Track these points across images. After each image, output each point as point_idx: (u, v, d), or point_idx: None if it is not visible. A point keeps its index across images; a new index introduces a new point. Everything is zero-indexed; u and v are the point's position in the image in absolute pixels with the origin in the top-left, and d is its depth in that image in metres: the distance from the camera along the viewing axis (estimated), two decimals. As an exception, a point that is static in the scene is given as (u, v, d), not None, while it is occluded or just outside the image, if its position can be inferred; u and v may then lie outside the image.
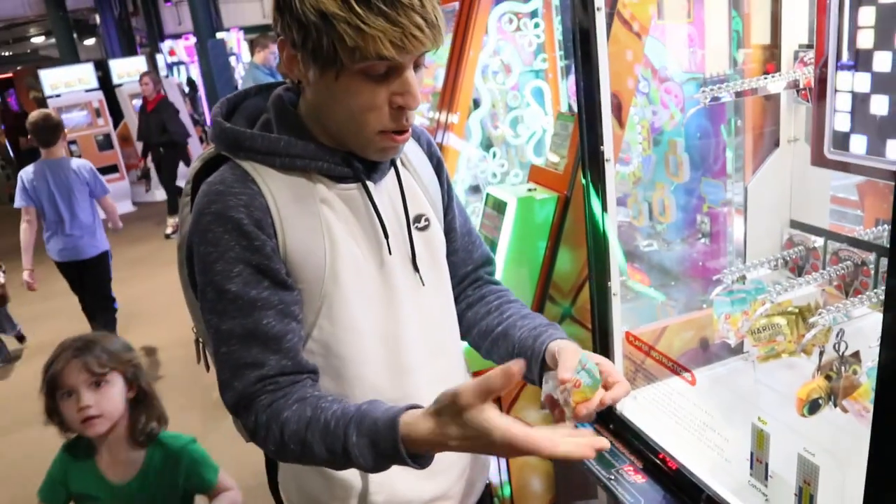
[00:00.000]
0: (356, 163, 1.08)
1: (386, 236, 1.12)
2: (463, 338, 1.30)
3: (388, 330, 1.14)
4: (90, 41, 16.59)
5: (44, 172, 4.12)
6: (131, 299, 5.87)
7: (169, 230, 7.88)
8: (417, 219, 1.18)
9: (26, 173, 4.14)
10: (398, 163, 1.17)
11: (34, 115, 4.17)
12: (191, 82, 12.32)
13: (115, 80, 10.11)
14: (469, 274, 1.31)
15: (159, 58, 13.32)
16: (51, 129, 4.15)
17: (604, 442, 0.90)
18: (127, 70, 10.26)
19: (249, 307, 1.03)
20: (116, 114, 9.53)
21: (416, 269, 1.16)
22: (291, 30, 0.97)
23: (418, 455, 0.94)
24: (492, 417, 0.87)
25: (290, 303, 1.06)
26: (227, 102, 1.14)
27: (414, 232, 1.16)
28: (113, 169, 8.97)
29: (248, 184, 1.04)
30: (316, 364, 1.09)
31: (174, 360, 4.35)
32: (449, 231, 1.27)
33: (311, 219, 1.06)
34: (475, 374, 1.37)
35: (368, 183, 1.10)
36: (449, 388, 0.90)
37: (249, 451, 1.26)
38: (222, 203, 1.02)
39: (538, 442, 0.87)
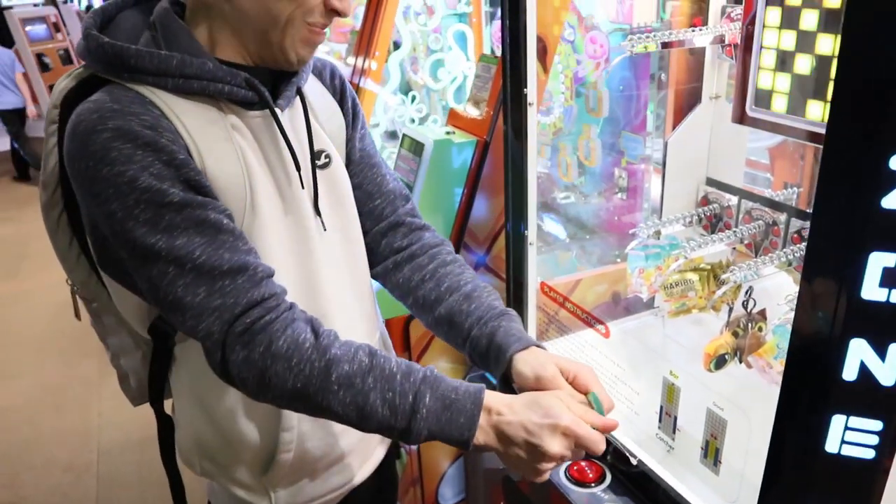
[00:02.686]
0: (260, 86, 0.96)
1: (298, 168, 1.01)
2: (399, 300, 1.19)
3: (304, 271, 1.05)
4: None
5: None
6: (22, 239, 5.52)
7: None
8: (318, 155, 1.08)
9: None
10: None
11: None
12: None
13: (3, 2, 9.30)
14: (382, 211, 1.19)
15: (57, -20, 12.34)
16: None
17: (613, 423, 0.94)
18: (18, -9, 9.49)
19: (201, 210, 0.88)
20: (6, 40, 8.77)
21: (317, 212, 1.07)
22: None
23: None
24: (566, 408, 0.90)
25: (231, 214, 0.93)
26: (102, 13, 0.97)
27: (316, 171, 1.07)
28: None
29: (147, 106, 0.89)
30: None
31: (68, 305, 4.13)
32: (350, 163, 1.17)
33: (226, 145, 0.94)
34: (387, 322, 1.32)
35: (276, 110, 0.99)
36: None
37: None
38: (122, 120, 0.86)
39: (595, 441, 0.89)
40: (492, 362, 1.04)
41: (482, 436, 0.89)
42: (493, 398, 0.90)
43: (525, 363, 0.99)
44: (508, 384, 1.03)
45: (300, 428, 1.09)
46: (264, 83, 0.98)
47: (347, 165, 1.17)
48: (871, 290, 0.75)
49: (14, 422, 3.32)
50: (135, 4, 1.01)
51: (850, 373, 0.78)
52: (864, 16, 0.68)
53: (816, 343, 0.80)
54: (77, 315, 1.15)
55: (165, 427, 1.16)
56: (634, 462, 1.05)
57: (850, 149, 0.72)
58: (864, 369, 0.77)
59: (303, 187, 1.04)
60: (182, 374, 1.10)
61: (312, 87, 1.13)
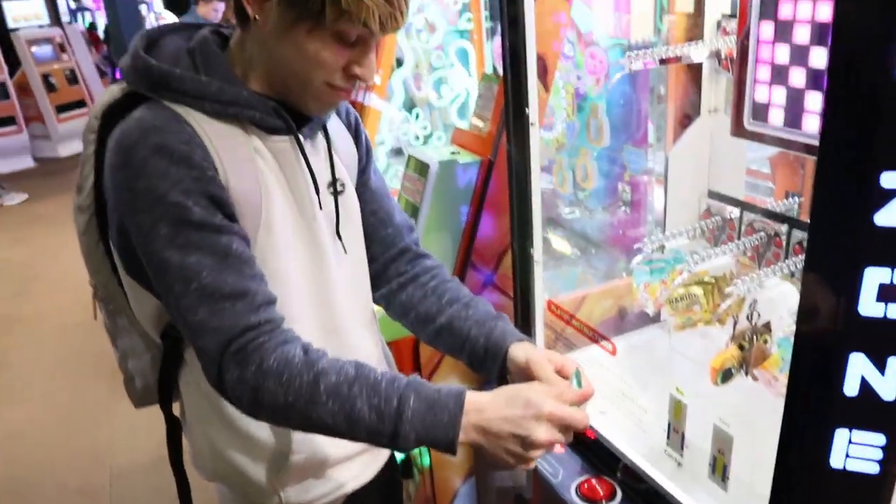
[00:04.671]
0: (287, 116, 1.03)
1: (317, 191, 1.08)
2: (398, 320, 1.26)
3: (318, 289, 1.11)
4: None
5: None
6: (30, 260, 5.57)
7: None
8: (335, 182, 1.14)
9: None
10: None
11: None
12: (107, 30, 11.59)
13: (11, 24, 9.42)
14: (392, 240, 1.26)
15: (61, 2, 12.46)
16: None
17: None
18: (24, 13, 9.56)
19: (216, 233, 0.95)
20: (13, 61, 8.87)
21: (338, 235, 1.13)
22: None
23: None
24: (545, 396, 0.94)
25: (245, 233, 1.00)
26: (147, 36, 1.05)
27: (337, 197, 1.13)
28: (9, 121, 8.30)
29: (182, 125, 0.96)
30: None
31: (78, 326, 4.09)
32: (365, 192, 1.24)
33: (248, 166, 1.01)
34: (397, 342, 1.35)
35: (299, 136, 1.06)
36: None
37: (160, 420, 1.19)
38: (161, 137, 0.94)
39: (579, 419, 0.94)
40: (489, 360, 1.10)
41: (467, 435, 0.93)
42: (474, 396, 0.94)
43: (519, 349, 1.07)
44: (505, 382, 1.09)
45: None
46: (291, 111, 1.04)
47: (364, 194, 1.23)
48: (868, 305, 0.76)
49: (25, 446, 3.34)
50: (176, 30, 1.08)
51: (851, 387, 0.79)
52: (851, 33, 0.70)
53: (817, 358, 0.81)
54: (95, 315, 1.21)
55: (174, 428, 1.20)
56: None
57: (842, 166, 0.74)
58: (864, 384, 0.78)
59: (320, 208, 1.09)
60: (193, 376, 1.14)
61: (332, 120, 1.19)
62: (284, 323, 0.99)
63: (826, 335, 0.79)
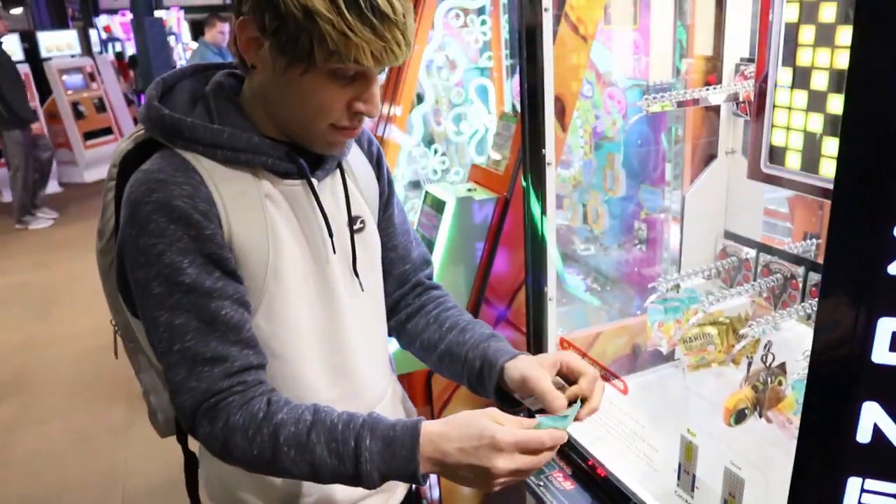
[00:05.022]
0: (301, 159, 1.03)
1: (331, 235, 1.08)
2: (407, 349, 1.28)
3: (328, 331, 1.11)
4: (17, 10, 15.81)
5: None
6: (52, 284, 5.64)
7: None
8: (354, 220, 1.14)
9: None
10: (343, 163, 1.14)
11: None
12: (133, 59, 11.87)
13: (43, 54, 9.66)
14: (408, 276, 1.27)
15: (92, 33, 12.78)
16: None
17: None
18: (56, 43, 9.79)
19: (206, 298, 0.97)
20: (44, 89, 9.09)
21: (355, 273, 1.13)
22: (263, 15, 0.90)
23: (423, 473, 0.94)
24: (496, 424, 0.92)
25: (243, 293, 1.01)
26: (163, 83, 1.06)
27: (354, 236, 1.13)
28: (38, 146, 8.51)
29: (190, 174, 0.97)
30: None
31: (97, 350, 4.14)
32: (387, 227, 1.24)
33: (256, 213, 1.01)
34: (400, 377, 1.36)
35: (313, 180, 1.06)
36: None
37: (174, 445, 1.20)
38: (165, 192, 0.95)
39: (541, 436, 0.91)
40: (486, 380, 1.12)
41: (424, 466, 0.93)
42: (429, 428, 0.94)
43: (514, 368, 1.09)
44: (505, 398, 1.11)
45: None
46: (307, 152, 1.05)
47: (387, 228, 1.24)
48: (882, 354, 0.76)
49: (41, 466, 3.36)
50: (192, 74, 1.09)
51: (863, 435, 0.79)
52: (868, 81, 0.70)
53: (829, 405, 0.81)
54: (115, 354, 1.23)
55: (191, 463, 1.21)
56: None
57: (856, 215, 0.74)
58: (877, 432, 0.78)
59: (334, 252, 1.09)
60: None
61: (353, 154, 1.19)
62: (264, 384, 1.01)
63: (839, 383, 0.79)
